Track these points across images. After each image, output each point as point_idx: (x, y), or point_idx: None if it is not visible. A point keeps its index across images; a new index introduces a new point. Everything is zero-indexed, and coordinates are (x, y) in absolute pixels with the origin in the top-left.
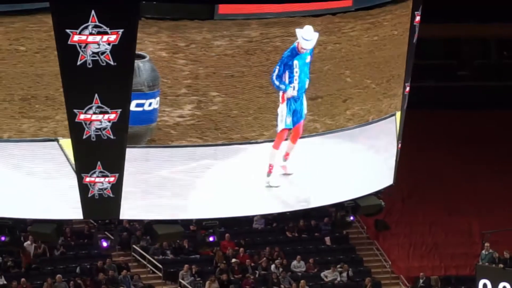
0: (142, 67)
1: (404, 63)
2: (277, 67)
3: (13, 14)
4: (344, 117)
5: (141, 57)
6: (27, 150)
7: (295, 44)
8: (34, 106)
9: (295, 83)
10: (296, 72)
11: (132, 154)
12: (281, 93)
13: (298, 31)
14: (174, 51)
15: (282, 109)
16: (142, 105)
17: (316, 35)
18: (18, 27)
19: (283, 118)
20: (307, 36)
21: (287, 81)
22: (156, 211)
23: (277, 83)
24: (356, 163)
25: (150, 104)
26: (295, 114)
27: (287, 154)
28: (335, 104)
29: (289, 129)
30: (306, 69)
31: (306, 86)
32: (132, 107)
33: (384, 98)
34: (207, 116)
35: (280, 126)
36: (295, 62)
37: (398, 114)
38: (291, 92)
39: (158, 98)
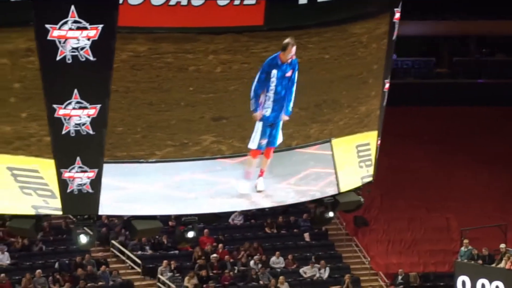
0: None
1: (347, 88)
2: (258, 73)
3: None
4: None
5: None
6: None
7: (278, 53)
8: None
9: (271, 93)
10: (273, 82)
11: None
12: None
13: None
14: None
15: (258, 127)
16: None
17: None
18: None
19: (256, 138)
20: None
21: (264, 94)
22: None
23: (253, 94)
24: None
25: None
26: (270, 137)
27: (261, 171)
28: (244, 126)
29: (261, 150)
30: (284, 83)
31: (290, 104)
32: None
33: (312, 123)
34: None
35: (251, 145)
36: (274, 71)
37: (337, 141)
38: (262, 111)
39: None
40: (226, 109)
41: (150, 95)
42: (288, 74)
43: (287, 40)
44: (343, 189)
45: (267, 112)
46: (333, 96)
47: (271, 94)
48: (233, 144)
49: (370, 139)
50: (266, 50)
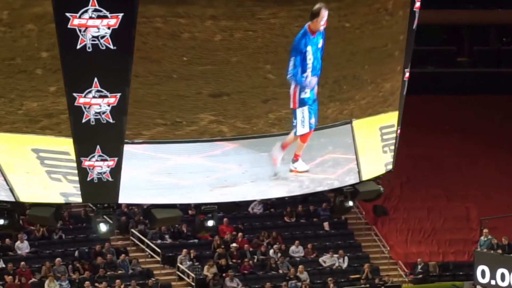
0: None
1: (370, 62)
2: (292, 58)
3: None
4: (265, 121)
5: None
6: None
7: (306, 26)
8: None
9: (309, 72)
10: (310, 59)
11: None
12: (291, 94)
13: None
14: None
15: (303, 111)
16: None
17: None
18: None
19: (305, 120)
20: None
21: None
22: None
23: (297, 76)
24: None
25: None
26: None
27: (296, 156)
28: (249, 104)
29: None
30: (319, 55)
31: (319, 74)
32: None
33: (329, 103)
34: None
35: (302, 130)
36: (309, 48)
37: (358, 122)
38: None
39: None
40: (228, 84)
41: (136, 66)
42: (320, 44)
43: (317, 6)
44: (365, 177)
45: (307, 94)
46: (354, 71)
47: (309, 72)
48: (236, 125)
49: (395, 119)
50: (275, 16)
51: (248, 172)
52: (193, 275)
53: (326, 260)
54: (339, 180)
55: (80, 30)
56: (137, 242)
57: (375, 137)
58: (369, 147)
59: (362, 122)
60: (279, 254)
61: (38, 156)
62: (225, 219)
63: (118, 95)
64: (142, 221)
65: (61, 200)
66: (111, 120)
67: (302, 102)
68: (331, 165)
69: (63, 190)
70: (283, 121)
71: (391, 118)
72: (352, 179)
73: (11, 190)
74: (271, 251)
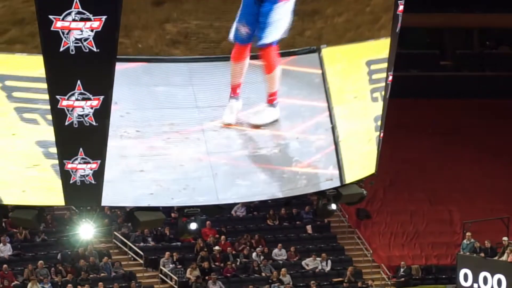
0: None
1: None
2: None
3: None
4: (160, 35)
5: None
6: None
7: None
8: None
9: None
10: None
11: None
12: None
13: None
14: None
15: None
16: None
17: None
18: None
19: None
20: None
21: None
22: None
23: None
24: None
25: None
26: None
27: (271, 96)
28: (130, 6)
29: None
30: None
31: None
32: None
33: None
34: None
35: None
36: None
37: (331, 51)
38: None
39: None
40: None
41: None
42: None
43: None
44: (342, 137)
45: None
46: None
47: None
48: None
49: (389, 51)
50: None
51: (129, 116)
52: (176, 278)
53: (309, 263)
54: (299, 140)
55: (63, 33)
56: (119, 244)
57: (359, 76)
58: (350, 91)
59: (338, 51)
60: (262, 257)
61: (4, 86)
62: (208, 222)
63: (101, 97)
64: (126, 225)
65: (38, 152)
66: (94, 123)
67: None
68: (287, 116)
69: (40, 138)
70: (193, 39)
71: (384, 48)
72: (321, 140)
73: None
74: (254, 254)
